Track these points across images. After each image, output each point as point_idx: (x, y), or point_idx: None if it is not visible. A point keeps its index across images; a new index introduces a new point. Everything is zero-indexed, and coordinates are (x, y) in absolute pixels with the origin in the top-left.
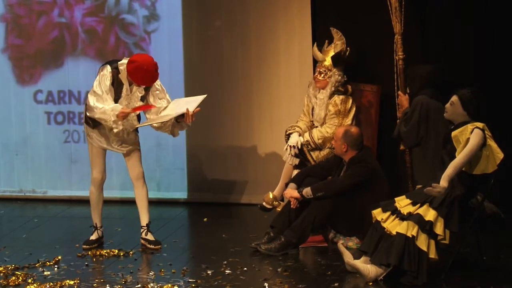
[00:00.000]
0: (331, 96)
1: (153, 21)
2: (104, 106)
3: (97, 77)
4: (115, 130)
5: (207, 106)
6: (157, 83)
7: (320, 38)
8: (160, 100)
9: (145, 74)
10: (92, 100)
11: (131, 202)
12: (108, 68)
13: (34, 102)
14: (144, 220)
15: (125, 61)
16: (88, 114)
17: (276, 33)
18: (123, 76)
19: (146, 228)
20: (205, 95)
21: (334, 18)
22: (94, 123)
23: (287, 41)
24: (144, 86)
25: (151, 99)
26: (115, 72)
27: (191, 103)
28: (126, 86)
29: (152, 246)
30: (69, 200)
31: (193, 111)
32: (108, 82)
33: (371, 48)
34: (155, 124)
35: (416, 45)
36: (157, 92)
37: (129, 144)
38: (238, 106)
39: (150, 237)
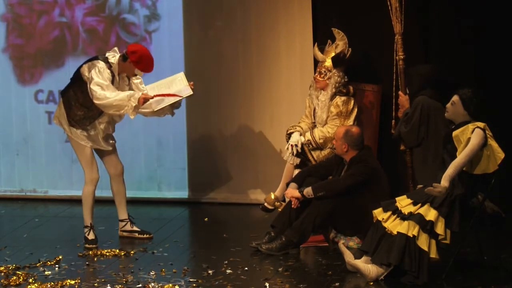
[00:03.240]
0: (332, 97)
1: (154, 21)
2: (118, 93)
3: (95, 70)
4: (132, 117)
5: (208, 106)
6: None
7: (321, 38)
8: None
9: (150, 61)
10: (98, 90)
11: (132, 202)
12: (102, 62)
13: (35, 102)
14: (124, 214)
15: (110, 54)
16: (97, 103)
17: (276, 33)
18: (114, 69)
19: (131, 219)
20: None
21: (335, 18)
22: (79, 124)
23: (287, 41)
24: (130, 75)
25: (133, 87)
26: (108, 66)
27: (178, 84)
28: (116, 78)
29: (143, 236)
30: (70, 200)
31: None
32: (107, 74)
33: (371, 48)
34: (166, 106)
35: (416, 45)
36: (137, 81)
37: (112, 140)
38: (239, 106)
39: (136, 228)
